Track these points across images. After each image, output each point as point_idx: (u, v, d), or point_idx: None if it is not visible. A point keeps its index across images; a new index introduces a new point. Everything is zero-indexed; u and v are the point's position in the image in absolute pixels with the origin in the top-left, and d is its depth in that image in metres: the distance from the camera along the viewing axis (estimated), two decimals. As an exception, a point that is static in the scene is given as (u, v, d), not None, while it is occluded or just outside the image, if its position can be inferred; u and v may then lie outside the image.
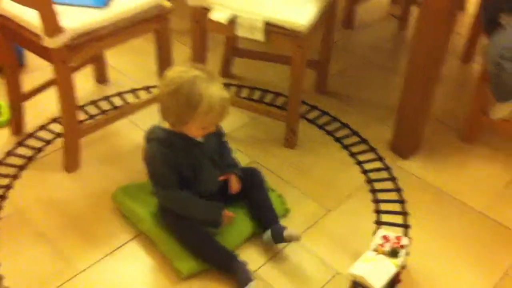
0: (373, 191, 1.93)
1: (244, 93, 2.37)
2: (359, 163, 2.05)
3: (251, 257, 1.66)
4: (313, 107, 2.30)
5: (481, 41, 2.55)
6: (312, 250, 1.71)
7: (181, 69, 1.53)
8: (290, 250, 1.71)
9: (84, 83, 2.34)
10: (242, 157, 2.03)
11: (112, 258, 1.68)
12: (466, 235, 1.79)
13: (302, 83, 1.96)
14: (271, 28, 1.83)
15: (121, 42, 1.86)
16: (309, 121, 2.24)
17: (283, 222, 1.75)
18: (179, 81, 1.50)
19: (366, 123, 2.23)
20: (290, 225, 1.70)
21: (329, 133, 2.18)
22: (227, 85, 2.34)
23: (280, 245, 1.70)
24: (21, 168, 1.98)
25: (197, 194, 1.65)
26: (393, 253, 1.60)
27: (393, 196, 1.91)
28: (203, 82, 1.50)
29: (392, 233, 1.67)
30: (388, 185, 1.96)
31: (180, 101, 1.49)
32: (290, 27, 1.81)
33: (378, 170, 2.02)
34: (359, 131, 2.18)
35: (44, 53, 1.73)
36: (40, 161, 2.01)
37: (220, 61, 2.43)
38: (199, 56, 2.04)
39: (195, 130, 1.57)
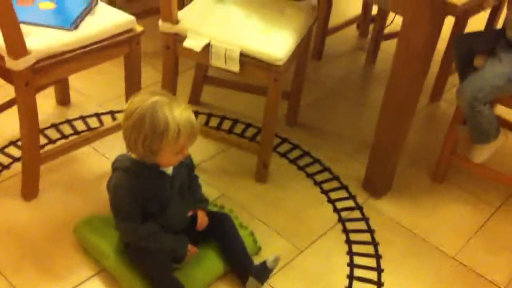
0: (346, 231, 1.89)
1: (213, 122, 2.30)
2: (331, 201, 2.00)
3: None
4: (284, 140, 2.25)
5: (451, 80, 2.57)
6: (284, 292, 1.65)
7: (139, 98, 1.44)
8: (261, 291, 1.64)
9: (44, 104, 2.22)
10: (211, 191, 1.95)
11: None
12: (439, 281, 1.76)
13: (277, 116, 1.91)
14: (246, 59, 1.78)
15: (89, 66, 1.77)
16: (281, 154, 2.18)
17: (255, 260, 1.69)
18: (140, 111, 1.41)
19: (337, 158, 2.19)
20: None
21: (300, 168, 2.13)
22: (196, 113, 2.27)
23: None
24: (-30, 192, 1.84)
25: (163, 229, 1.56)
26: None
27: (365, 237, 1.87)
28: (165, 107, 1.41)
29: None
30: (361, 225, 1.92)
31: (145, 132, 1.41)
32: (267, 60, 1.76)
33: (350, 209, 1.98)
34: (330, 167, 2.14)
35: (6, 74, 1.62)
36: (-4, 185, 1.88)
37: (190, 87, 2.35)
38: (169, 82, 1.97)
39: (168, 159, 1.48)
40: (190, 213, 1.64)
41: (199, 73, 2.29)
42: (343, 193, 2.04)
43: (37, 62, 1.60)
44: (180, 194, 1.60)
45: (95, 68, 1.81)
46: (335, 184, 2.08)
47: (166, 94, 1.47)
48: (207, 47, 1.79)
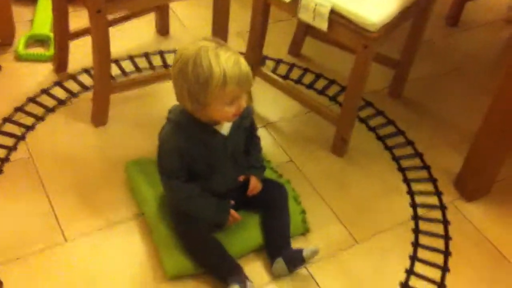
0: (417, 231, 1.64)
1: (307, 79, 2.10)
2: (411, 193, 1.74)
3: (254, 272, 1.46)
4: (379, 113, 2.00)
5: None
6: (322, 285, 1.47)
7: (186, 44, 1.30)
8: (297, 277, 1.48)
9: (144, 31, 2.18)
10: (280, 153, 1.80)
11: (103, 234, 1.53)
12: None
13: (362, 88, 1.67)
14: (336, 18, 1.54)
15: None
16: (369, 128, 1.94)
17: (299, 242, 1.54)
18: (184, 58, 1.28)
19: (435, 145, 1.90)
20: (303, 243, 1.52)
21: (388, 148, 1.88)
22: (291, 67, 2.10)
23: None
24: (50, 110, 1.86)
25: (209, 191, 1.44)
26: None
27: (438, 244, 1.61)
28: (210, 52, 1.26)
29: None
30: (437, 228, 1.65)
31: (189, 80, 1.27)
32: (358, 22, 1.51)
33: (430, 207, 1.71)
34: (423, 153, 1.86)
35: (82, -2, 1.57)
36: (71, 106, 1.89)
37: (291, 37, 2.16)
38: (256, 29, 1.80)
39: (221, 111, 1.32)
40: (242, 178, 1.50)
41: (301, 23, 2.08)
42: (428, 187, 1.77)
43: (110, -11, 1.52)
44: (232, 157, 1.46)
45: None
46: (422, 174, 1.81)
47: (216, 40, 1.31)
48: (298, -1, 1.58)
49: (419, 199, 1.73)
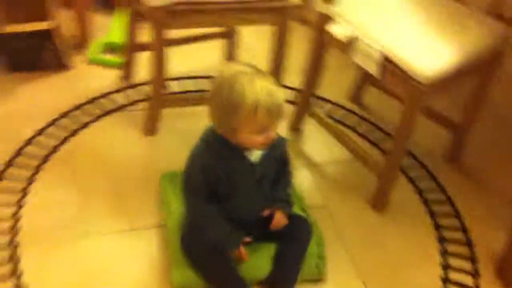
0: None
1: (362, 128, 2.05)
2: (446, 267, 1.63)
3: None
4: (430, 176, 1.90)
5: None
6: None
7: (225, 66, 1.31)
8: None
9: (212, 55, 2.24)
10: (316, 196, 1.77)
11: (123, 237, 1.56)
12: None
13: (406, 141, 1.60)
14: (389, 65, 1.50)
15: (230, 23, 1.68)
16: (417, 189, 1.85)
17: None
18: (219, 81, 1.29)
19: (485, 221, 1.77)
20: None
21: (432, 214, 1.78)
22: (348, 113, 2.07)
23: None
24: (106, 113, 1.95)
25: (231, 217, 1.42)
26: None
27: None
28: (245, 78, 1.26)
29: None
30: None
31: (222, 103, 1.28)
32: (409, 72, 1.46)
33: (462, 286, 1.59)
34: (470, 228, 1.74)
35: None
36: (127, 113, 1.96)
37: (353, 83, 2.13)
38: (311, 67, 1.79)
39: (249, 139, 1.32)
40: (267, 212, 1.48)
41: (361, 70, 2.05)
42: (466, 266, 1.64)
43: (176, 4, 1.57)
44: (258, 186, 1.44)
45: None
46: (463, 250, 1.68)
47: (253, 67, 1.32)
48: (353, 40, 1.56)
49: (452, 275, 1.61)
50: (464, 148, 1.94)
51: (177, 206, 1.57)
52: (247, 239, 1.45)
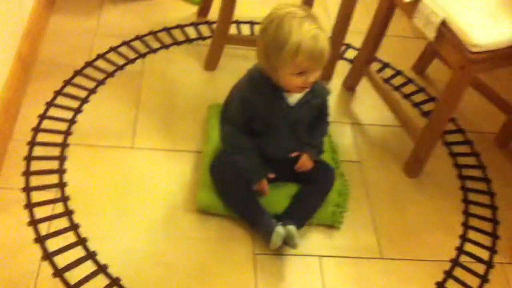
0: (448, 274, 1.56)
1: (418, 98, 2.06)
2: (464, 239, 1.65)
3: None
4: (474, 154, 1.89)
5: None
6: (327, 278, 1.49)
7: (280, 5, 1.36)
8: (305, 262, 1.51)
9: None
10: (352, 153, 1.83)
11: (164, 154, 1.70)
12: None
13: (450, 111, 1.64)
14: (445, 31, 1.50)
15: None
16: (456, 164, 1.85)
17: (326, 233, 1.57)
18: (270, 17, 1.36)
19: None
20: (328, 241, 1.57)
21: (464, 189, 1.78)
22: (408, 81, 2.08)
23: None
24: (176, 43, 2.08)
25: (262, 153, 1.53)
26: None
27: None
28: (295, 19, 1.32)
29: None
30: (472, 281, 1.56)
31: (267, 39, 1.35)
32: (461, 39, 1.46)
33: (477, 259, 1.61)
34: (499, 207, 1.74)
35: None
36: (195, 46, 2.08)
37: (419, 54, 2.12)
38: (376, 28, 1.82)
39: (288, 80, 1.39)
40: (295, 154, 1.56)
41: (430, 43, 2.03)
42: (486, 241, 1.66)
43: None
44: (290, 128, 1.52)
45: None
46: (486, 226, 1.70)
47: (308, 11, 1.37)
48: (417, 1, 1.57)
49: (468, 247, 1.63)
50: (516, 134, 1.90)
51: (215, 135, 1.69)
52: (272, 175, 1.54)
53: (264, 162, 1.54)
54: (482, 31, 1.46)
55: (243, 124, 1.51)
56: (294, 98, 1.48)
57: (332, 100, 1.96)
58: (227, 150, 1.55)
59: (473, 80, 1.92)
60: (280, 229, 1.43)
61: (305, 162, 1.56)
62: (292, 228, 1.44)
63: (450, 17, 1.49)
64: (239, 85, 1.51)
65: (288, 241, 1.45)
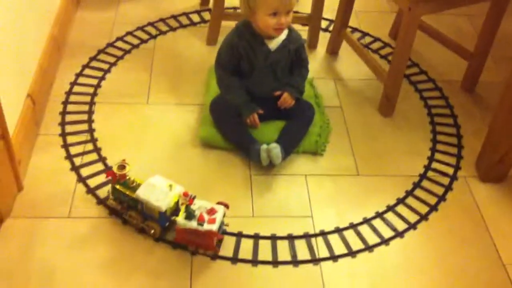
0: (416, 185, 1.83)
1: (385, 51, 2.36)
2: (431, 159, 1.92)
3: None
4: (443, 97, 2.18)
5: None
6: (311, 190, 1.79)
7: None
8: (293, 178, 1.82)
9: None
10: (334, 100, 2.12)
11: (173, 107, 2.03)
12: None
13: (407, 51, 1.91)
14: (395, -17, 1.83)
15: None
16: (427, 105, 2.13)
17: (311, 158, 1.88)
18: None
19: (481, 133, 1.99)
20: (313, 164, 1.86)
21: (433, 123, 2.06)
22: (384, 45, 2.37)
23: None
24: (182, 26, 2.44)
25: (249, 91, 1.85)
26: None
27: (430, 200, 1.79)
28: None
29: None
30: (437, 190, 1.83)
31: None
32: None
33: (442, 174, 1.88)
34: (463, 136, 2.01)
35: None
36: (198, 28, 2.44)
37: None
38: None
39: (263, 21, 1.71)
40: (277, 93, 1.87)
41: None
42: (451, 160, 1.93)
43: None
44: (271, 69, 1.84)
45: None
46: (451, 149, 1.97)
47: None
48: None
49: (435, 165, 1.90)
50: (478, 78, 2.18)
51: (214, 87, 2.01)
52: (260, 110, 1.86)
53: (252, 100, 1.85)
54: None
55: (232, 67, 1.83)
56: (273, 44, 1.80)
57: (318, 63, 2.29)
58: (220, 89, 1.88)
59: (436, 34, 2.23)
60: (264, 146, 1.75)
61: (286, 99, 1.86)
62: (274, 145, 1.76)
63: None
64: (228, 36, 1.85)
65: (271, 157, 1.75)
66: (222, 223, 1.57)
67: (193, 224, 1.51)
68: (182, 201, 1.55)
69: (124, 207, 1.61)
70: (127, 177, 1.61)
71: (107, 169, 1.74)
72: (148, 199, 1.53)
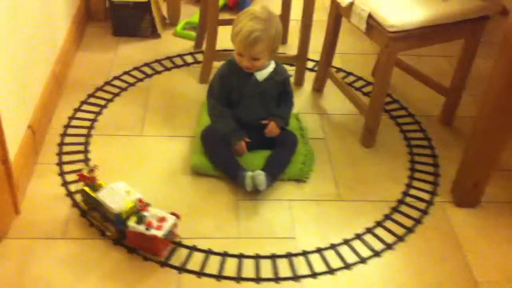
0: (394, 210, 1.93)
1: (368, 89, 2.48)
2: (410, 186, 2.03)
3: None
4: (422, 130, 2.30)
5: None
6: (296, 215, 1.89)
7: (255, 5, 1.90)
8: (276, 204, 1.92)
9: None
10: (319, 132, 2.24)
11: (166, 139, 2.15)
12: None
13: (385, 85, 2.05)
14: (372, 21, 1.97)
15: None
16: (406, 138, 2.25)
17: (295, 185, 1.99)
18: (243, 11, 1.89)
19: (458, 161, 2.11)
20: (297, 190, 1.97)
21: (411, 153, 2.17)
22: (367, 84, 2.52)
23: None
24: (176, 67, 2.59)
25: (237, 120, 1.98)
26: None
27: (406, 223, 1.89)
28: (247, 15, 1.84)
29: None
30: (414, 213, 1.92)
31: (232, 28, 1.87)
32: (382, 23, 1.92)
33: (419, 199, 1.98)
34: (440, 165, 2.12)
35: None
36: (191, 69, 2.58)
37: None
38: (330, 35, 2.29)
39: (237, 57, 1.90)
40: (265, 121, 2.00)
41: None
42: (427, 187, 2.03)
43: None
44: (259, 98, 1.98)
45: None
46: (429, 177, 2.07)
47: (267, 12, 1.87)
48: (351, 5, 2.06)
49: (412, 191, 2.01)
50: (454, 112, 2.31)
51: (205, 120, 2.14)
52: (247, 139, 1.98)
53: (240, 128, 1.98)
54: (397, 16, 1.92)
55: (222, 97, 1.98)
56: (261, 76, 1.95)
57: (304, 99, 2.43)
58: (211, 118, 2.01)
59: (416, 72, 2.37)
60: (250, 173, 1.86)
61: (272, 128, 1.99)
62: (259, 172, 1.87)
63: (374, 9, 1.97)
64: (220, 68, 2.01)
65: (256, 183, 1.86)
66: (170, 232, 1.69)
67: (141, 228, 1.65)
68: (137, 207, 1.69)
69: (90, 208, 1.77)
70: (96, 181, 1.76)
71: (78, 172, 1.86)
72: (105, 200, 1.69)
